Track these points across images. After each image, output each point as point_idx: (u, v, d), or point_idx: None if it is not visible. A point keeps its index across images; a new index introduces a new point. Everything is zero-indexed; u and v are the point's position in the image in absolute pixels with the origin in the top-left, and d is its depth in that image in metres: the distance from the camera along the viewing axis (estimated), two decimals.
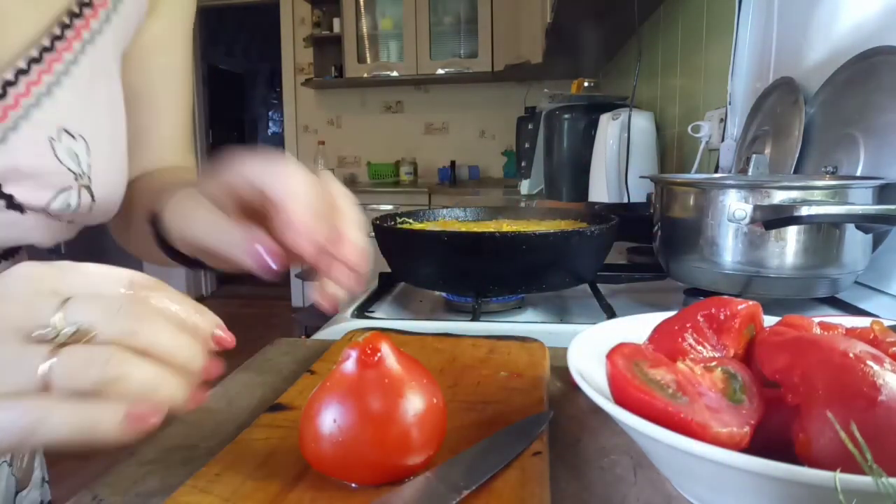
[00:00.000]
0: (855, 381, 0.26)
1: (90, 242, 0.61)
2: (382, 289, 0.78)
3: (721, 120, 1.28)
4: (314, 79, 4.20)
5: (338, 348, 0.51)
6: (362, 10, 4.02)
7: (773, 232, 0.59)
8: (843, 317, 0.40)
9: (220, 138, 5.62)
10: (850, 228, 0.60)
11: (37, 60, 0.44)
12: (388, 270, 0.76)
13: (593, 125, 1.76)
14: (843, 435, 0.23)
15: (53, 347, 0.25)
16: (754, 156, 0.89)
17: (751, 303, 0.36)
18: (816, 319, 0.36)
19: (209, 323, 0.30)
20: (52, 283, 0.27)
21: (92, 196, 0.48)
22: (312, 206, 0.36)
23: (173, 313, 0.28)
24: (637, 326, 0.39)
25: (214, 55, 5.72)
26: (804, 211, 0.54)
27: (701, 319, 0.35)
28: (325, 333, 0.62)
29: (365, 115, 4.45)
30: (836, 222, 0.59)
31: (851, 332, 0.34)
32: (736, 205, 0.57)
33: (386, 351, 0.32)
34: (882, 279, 0.73)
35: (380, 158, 4.40)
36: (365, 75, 4.05)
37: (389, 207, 3.59)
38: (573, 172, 1.87)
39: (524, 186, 2.38)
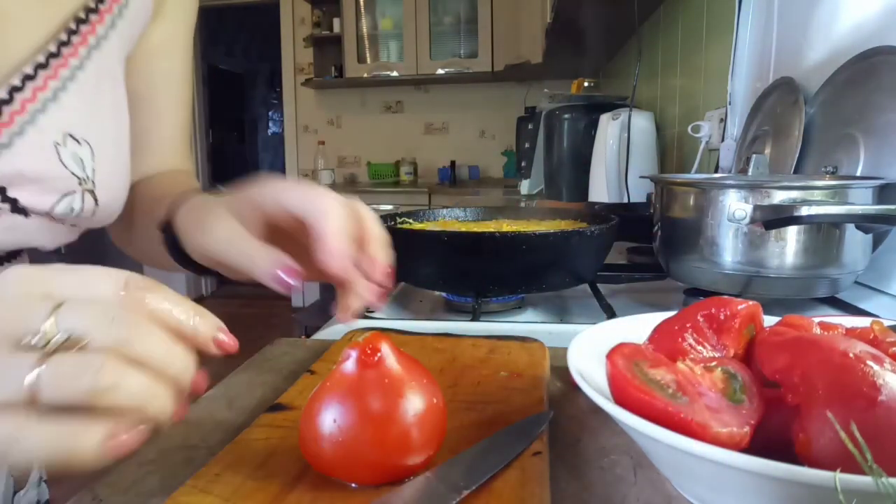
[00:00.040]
0: (855, 381, 0.26)
1: (91, 244, 0.61)
2: None
3: (721, 120, 1.28)
4: (314, 79, 4.21)
5: (338, 348, 0.51)
6: (362, 10, 4.02)
7: (773, 232, 0.59)
8: (843, 317, 0.40)
9: (220, 138, 5.62)
10: (850, 228, 0.60)
11: (43, 66, 0.44)
12: None
13: (593, 125, 1.76)
14: (843, 435, 0.23)
15: (42, 355, 0.24)
16: (754, 156, 0.89)
17: (751, 303, 0.36)
18: (816, 319, 0.36)
19: (210, 326, 0.29)
20: (45, 287, 0.26)
21: (95, 200, 0.48)
22: (345, 229, 0.39)
23: (171, 318, 0.27)
24: (637, 326, 0.39)
25: (214, 55, 5.72)
26: (804, 211, 0.54)
27: (701, 319, 0.35)
28: (325, 333, 0.62)
29: (365, 115, 4.45)
30: (836, 222, 0.59)
31: (851, 332, 0.34)
32: (736, 205, 0.57)
33: (386, 351, 0.32)
34: (882, 279, 0.73)
35: (380, 158, 4.40)
36: (365, 75, 4.05)
37: (389, 207, 3.59)
38: (573, 172, 1.87)
39: (524, 186, 2.38)
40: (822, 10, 0.93)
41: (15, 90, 0.42)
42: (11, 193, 0.43)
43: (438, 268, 0.68)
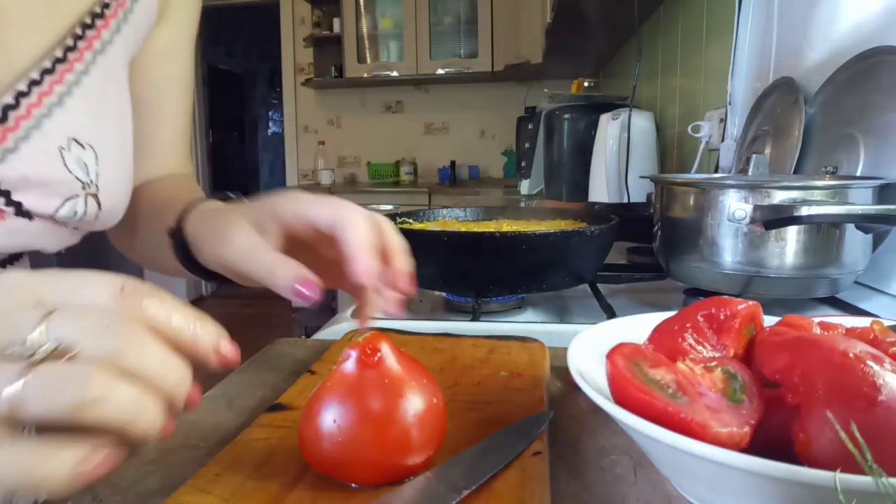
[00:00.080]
0: (855, 381, 0.26)
1: (92, 247, 0.61)
2: None
3: (721, 120, 1.28)
4: (314, 79, 4.20)
5: (338, 348, 0.51)
6: (362, 10, 4.02)
7: (773, 232, 0.59)
8: (843, 317, 0.41)
9: (220, 138, 5.62)
10: (850, 228, 0.60)
11: (50, 71, 0.44)
12: None
13: (593, 125, 1.76)
14: (843, 435, 0.23)
15: (28, 365, 0.23)
16: (754, 156, 0.89)
17: (751, 303, 0.36)
18: (816, 319, 0.36)
19: (210, 335, 0.28)
20: (36, 294, 0.25)
21: (99, 204, 0.48)
22: (370, 241, 0.40)
23: (169, 326, 0.26)
24: (637, 326, 0.39)
25: (214, 55, 5.72)
26: (804, 211, 0.54)
27: (701, 319, 0.35)
28: (325, 333, 0.62)
29: (365, 115, 4.45)
30: (836, 222, 0.59)
31: (851, 332, 0.34)
32: (736, 205, 0.57)
33: (386, 351, 0.32)
34: (882, 279, 0.73)
35: (380, 158, 4.40)
36: (365, 75, 4.05)
37: (389, 207, 3.59)
38: (573, 172, 1.87)
39: (524, 186, 2.38)
40: (822, 10, 0.93)
41: (21, 95, 0.42)
42: (16, 197, 0.43)
43: (438, 268, 0.68)
